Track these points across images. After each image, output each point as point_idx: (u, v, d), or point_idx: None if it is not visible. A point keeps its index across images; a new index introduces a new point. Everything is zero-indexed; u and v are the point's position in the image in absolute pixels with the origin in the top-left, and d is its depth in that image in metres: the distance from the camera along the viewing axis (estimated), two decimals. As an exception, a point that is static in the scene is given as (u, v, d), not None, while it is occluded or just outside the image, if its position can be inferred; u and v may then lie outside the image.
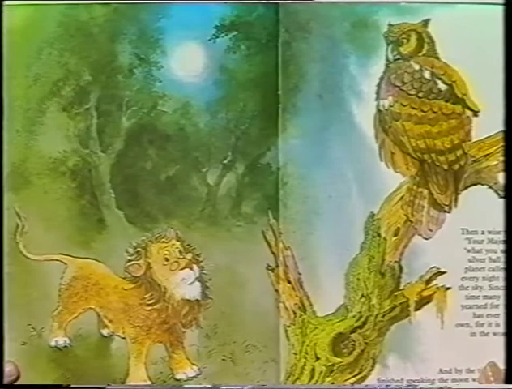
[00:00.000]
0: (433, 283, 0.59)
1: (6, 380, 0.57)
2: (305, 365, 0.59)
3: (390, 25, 0.58)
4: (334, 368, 0.59)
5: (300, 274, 0.59)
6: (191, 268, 0.59)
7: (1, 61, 0.57)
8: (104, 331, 0.60)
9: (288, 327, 0.59)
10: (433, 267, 0.59)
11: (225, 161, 0.59)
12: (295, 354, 0.59)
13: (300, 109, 0.58)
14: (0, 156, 0.58)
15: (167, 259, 0.59)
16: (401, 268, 0.59)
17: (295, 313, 0.59)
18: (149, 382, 0.59)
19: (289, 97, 0.58)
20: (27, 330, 0.59)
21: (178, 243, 0.59)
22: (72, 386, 0.59)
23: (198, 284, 0.59)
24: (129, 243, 0.59)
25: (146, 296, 0.59)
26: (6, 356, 0.58)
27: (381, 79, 0.59)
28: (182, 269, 0.58)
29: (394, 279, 0.59)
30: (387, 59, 0.59)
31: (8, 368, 0.58)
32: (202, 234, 0.59)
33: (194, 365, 0.59)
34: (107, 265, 0.59)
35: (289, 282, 0.59)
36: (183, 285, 0.59)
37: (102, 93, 0.58)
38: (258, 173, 0.59)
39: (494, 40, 0.58)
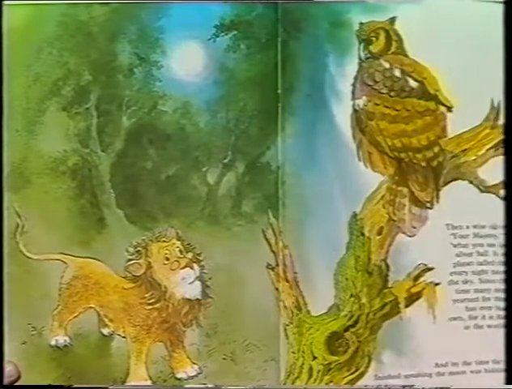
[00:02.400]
0: (422, 279, 0.59)
1: (6, 380, 0.57)
2: (303, 364, 0.59)
3: (361, 23, 0.58)
4: (332, 366, 0.60)
5: (295, 273, 0.59)
6: (191, 267, 0.59)
7: (1, 60, 0.57)
8: (105, 331, 0.60)
9: (287, 325, 0.59)
10: (421, 264, 0.59)
11: (225, 160, 0.59)
12: (293, 353, 0.59)
13: (296, 109, 0.58)
14: (0, 155, 0.58)
15: (167, 259, 0.59)
16: (388, 266, 0.59)
17: (292, 312, 0.59)
18: (150, 382, 0.59)
19: (287, 96, 0.58)
20: (28, 329, 0.59)
21: (178, 242, 0.59)
22: (73, 386, 0.59)
23: (198, 283, 0.59)
24: (129, 242, 0.58)
25: (146, 295, 0.59)
26: (7, 356, 0.58)
27: (356, 78, 0.59)
28: (183, 268, 0.59)
29: (382, 278, 0.59)
30: (360, 58, 0.59)
31: (8, 368, 0.58)
32: (202, 233, 0.59)
33: (194, 364, 0.59)
34: (107, 264, 0.59)
35: (287, 281, 0.59)
36: (183, 284, 0.59)
37: (102, 93, 0.58)
38: (258, 172, 0.59)
39: (464, 34, 0.57)
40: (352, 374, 0.60)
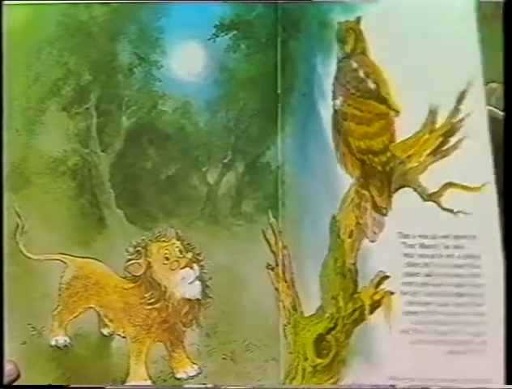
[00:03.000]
0: (381, 287, 0.58)
1: (5, 379, 0.57)
2: (298, 364, 0.59)
3: (338, 23, 0.58)
4: (318, 369, 0.59)
5: (293, 273, 0.59)
6: (191, 267, 0.59)
7: (1, 60, 0.57)
8: (105, 331, 0.60)
9: (285, 326, 0.59)
10: (380, 271, 0.58)
11: (225, 160, 0.59)
12: (290, 353, 0.59)
13: (295, 109, 0.58)
14: (0, 155, 0.58)
15: (167, 258, 0.59)
16: (356, 271, 0.59)
17: (290, 312, 0.59)
18: (149, 381, 0.59)
19: (287, 96, 0.58)
20: (28, 329, 0.59)
21: (178, 242, 0.59)
22: (72, 386, 0.59)
23: (198, 283, 0.59)
24: (129, 242, 0.59)
25: (146, 295, 0.59)
26: (7, 356, 0.58)
27: (335, 78, 0.58)
28: (182, 268, 0.59)
29: (353, 282, 0.59)
30: (337, 58, 0.58)
31: (8, 367, 0.58)
32: (202, 233, 0.59)
33: (194, 364, 0.59)
34: (107, 264, 0.59)
35: (286, 281, 0.59)
36: (183, 284, 0.59)
37: (102, 93, 0.58)
38: (258, 172, 0.59)
39: (417, 37, 0.56)
40: (331, 378, 0.59)
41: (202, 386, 0.59)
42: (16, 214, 0.58)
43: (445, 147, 0.57)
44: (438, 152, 0.57)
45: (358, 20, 0.57)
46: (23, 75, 0.58)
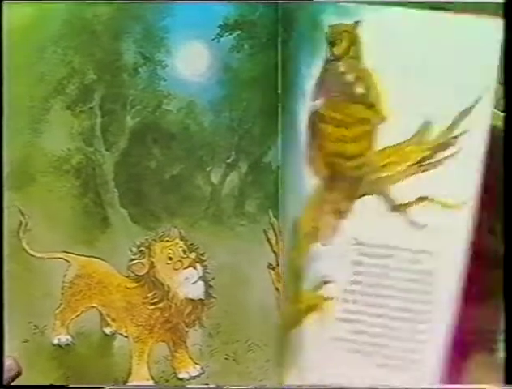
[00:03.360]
0: (321, 291, 0.58)
1: (6, 375, 0.57)
2: None
3: (330, 26, 0.56)
4: None
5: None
6: (195, 267, 0.59)
7: (5, 59, 0.57)
8: (107, 330, 0.60)
9: (284, 326, 0.60)
10: (322, 276, 0.58)
11: (229, 160, 0.59)
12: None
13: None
14: (2, 153, 0.58)
15: (170, 258, 0.59)
16: (304, 273, 0.58)
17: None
18: (152, 381, 0.59)
19: (286, 96, 0.58)
20: (29, 327, 0.59)
21: (182, 242, 0.59)
22: (74, 385, 0.59)
23: (201, 283, 0.59)
24: (132, 242, 0.59)
25: (149, 295, 0.59)
26: (7, 354, 0.58)
27: (318, 79, 0.57)
28: (186, 268, 0.59)
29: (300, 284, 0.59)
30: (324, 60, 0.57)
31: (8, 362, 0.58)
32: (205, 233, 0.59)
33: (196, 364, 0.59)
34: (110, 263, 0.59)
35: (286, 281, 0.59)
36: (186, 284, 0.59)
37: (106, 92, 0.58)
38: (261, 172, 0.59)
39: (410, 47, 0.55)
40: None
41: (205, 386, 0.59)
42: (19, 212, 0.58)
43: (432, 161, 0.56)
44: (422, 165, 0.56)
45: (356, 24, 0.56)
46: (27, 74, 0.58)
